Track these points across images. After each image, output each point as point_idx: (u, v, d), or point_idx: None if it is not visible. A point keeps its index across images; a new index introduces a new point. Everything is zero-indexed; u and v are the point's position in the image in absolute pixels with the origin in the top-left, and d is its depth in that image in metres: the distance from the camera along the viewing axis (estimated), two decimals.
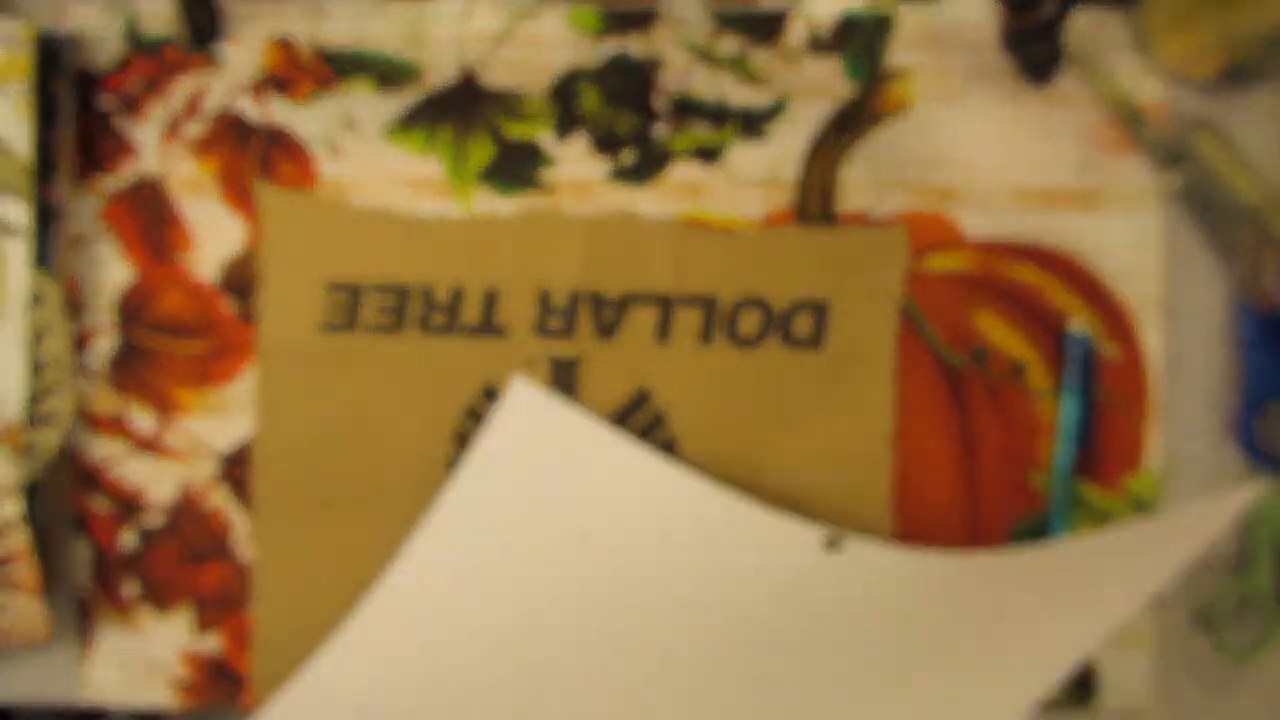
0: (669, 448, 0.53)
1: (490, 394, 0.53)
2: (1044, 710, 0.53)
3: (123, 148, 0.54)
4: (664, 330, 0.53)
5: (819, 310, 0.53)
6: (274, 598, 0.54)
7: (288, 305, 0.54)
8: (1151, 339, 0.53)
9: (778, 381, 0.53)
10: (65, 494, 0.54)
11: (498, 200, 0.54)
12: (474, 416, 0.53)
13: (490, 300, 0.53)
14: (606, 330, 0.53)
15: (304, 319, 0.54)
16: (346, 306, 0.53)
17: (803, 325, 0.53)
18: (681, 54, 0.53)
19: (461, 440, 0.53)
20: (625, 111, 0.54)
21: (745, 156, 0.53)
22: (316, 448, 0.53)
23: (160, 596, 0.55)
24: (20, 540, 0.51)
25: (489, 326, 0.53)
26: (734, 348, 0.53)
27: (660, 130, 0.54)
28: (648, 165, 0.53)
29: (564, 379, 0.53)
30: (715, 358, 0.53)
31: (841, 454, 0.53)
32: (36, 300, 0.52)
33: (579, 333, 0.53)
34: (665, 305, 0.53)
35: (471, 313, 0.53)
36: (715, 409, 0.53)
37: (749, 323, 0.53)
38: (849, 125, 0.53)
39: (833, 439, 0.53)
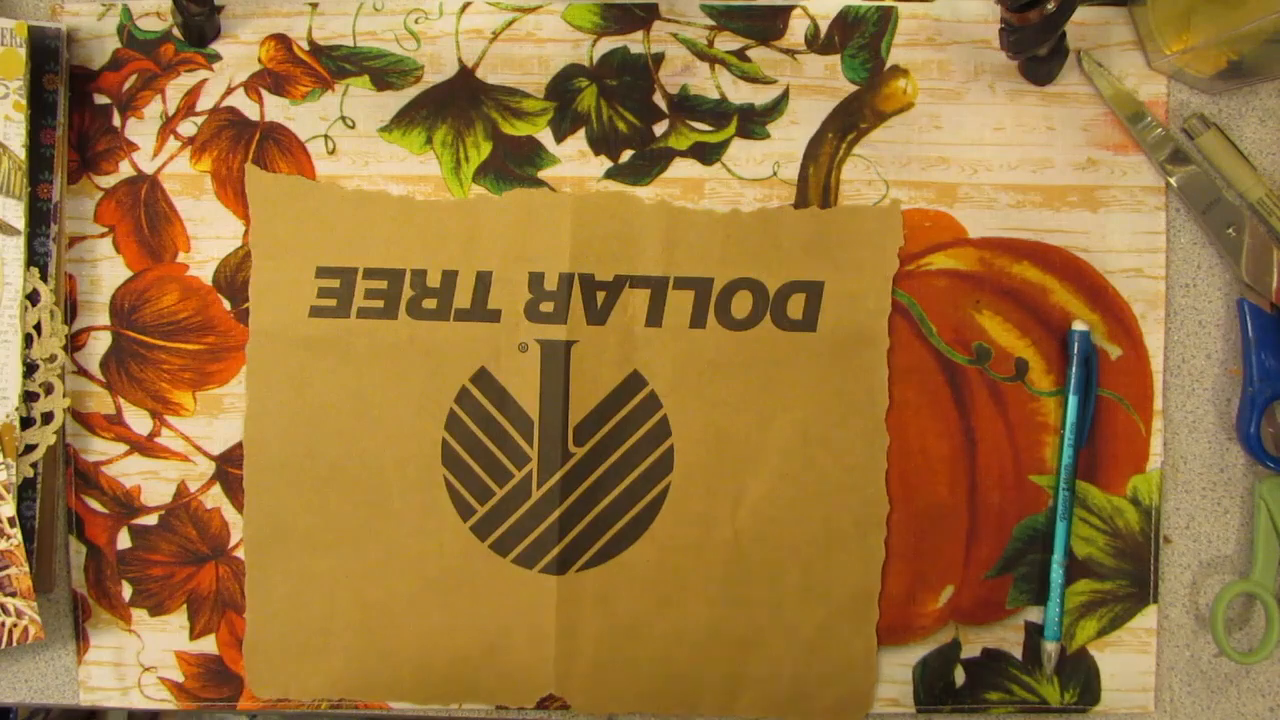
0: (663, 430, 0.53)
1: (483, 377, 0.53)
2: (1047, 711, 0.53)
3: (118, 146, 0.54)
4: (656, 313, 0.53)
5: (813, 292, 0.52)
6: (266, 581, 0.53)
7: (278, 290, 0.53)
8: (1153, 338, 0.53)
9: (771, 364, 0.52)
10: (60, 494, 0.54)
11: (494, 199, 0.53)
12: (466, 400, 0.53)
13: (482, 284, 0.53)
14: (599, 313, 0.53)
15: (295, 304, 0.53)
16: (337, 291, 0.53)
17: (796, 307, 0.53)
18: (681, 51, 0.53)
19: (453, 424, 0.53)
20: (624, 109, 0.53)
21: (745, 155, 0.53)
22: (308, 432, 0.53)
23: (156, 597, 0.54)
24: (15, 541, 0.51)
25: (481, 311, 0.53)
26: (726, 330, 0.53)
27: (659, 128, 0.53)
28: (647, 163, 0.53)
29: (556, 362, 0.53)
30: (708, 340, 0.53)
31: (837, 435, 0.52)
32: (31, 300, 0.52)
33: (571, 316, 0.53)
34: (657, 288, 0.53)
35: (464, 297, 0.53)
36: (709, 392, 0.53)
37: (742, 305, 0.53)
38: (850, 123, 0.53)
39: (827, 420, 0.52)
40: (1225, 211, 0.52)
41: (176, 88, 0.54)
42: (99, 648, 0.54)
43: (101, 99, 0.54)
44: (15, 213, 0.51)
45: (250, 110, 0.54)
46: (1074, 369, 0.52)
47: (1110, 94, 0.52)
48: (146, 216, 0.54)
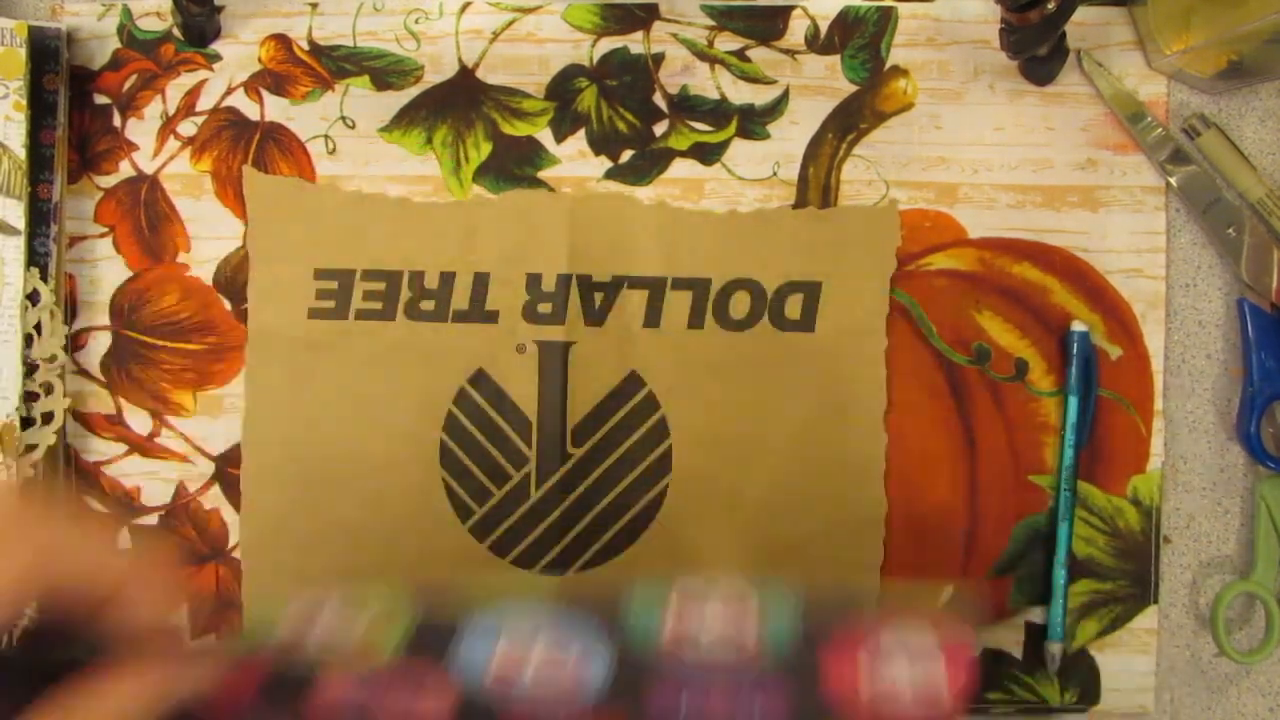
0: (661, 431, 0.53)
1: (481, 379, 0.53)
2: (1047, 711, 0.53)
3: (118, 146, 0.54)
4: (654, 314, 0.53)
5: (811, 292, 0.52)
6: (263, 582, 0.53)
7: (276, 292, 0.53)
8: (1153, 338, 0.52)
9: (769, 364, 0.52)
10: (61, 494, 0.54)
11: (492, 200, 0.53)
12: (464, 402, 0.53)
13: (480, 285, 0.53)
14: (597, 314, 0.53)
15: (293, 306, 0.53)
16: (335, 293, 0.53)
17: (794, 307, 0.52)
18: (681, 51, 0.53)
19: (452, 426, 0.53)
20: (624, 109, 0.53)
21: (745, 155, 0.53)
22: (306, 434, 0.53)
23: None
24: None
25: (479, 312, 0.53)
26: (724, 330, 0.53)
27: (659, 128, 0.53)
28: (647, 163, 0.53)
29: (554, 363, 0.53)
30: (706, 341, 0.53)
31: (835, 435, 0.52)
32: (31, 300, 0.52)
33: (569, 317, 0.53)
34: (655, 288, 0.53)
35: (461, 298, 0.53)
36: (707, 392, 0.53)
37: (739, 305, 0.53)
38: (850, 123, 0.53)
39: (826, 421, 0.52)
40: (1225, 211, 0.52)
41: (176, 88, 0.54)
42: None
43: (101, 99, 0.54)
44: (15, 213, 0.51)
45: (250, 110, 0.54)
46: (1074, 369, 0.51)
47: (1110, 94, 0.52)
48: (146, 216, 0.54)
